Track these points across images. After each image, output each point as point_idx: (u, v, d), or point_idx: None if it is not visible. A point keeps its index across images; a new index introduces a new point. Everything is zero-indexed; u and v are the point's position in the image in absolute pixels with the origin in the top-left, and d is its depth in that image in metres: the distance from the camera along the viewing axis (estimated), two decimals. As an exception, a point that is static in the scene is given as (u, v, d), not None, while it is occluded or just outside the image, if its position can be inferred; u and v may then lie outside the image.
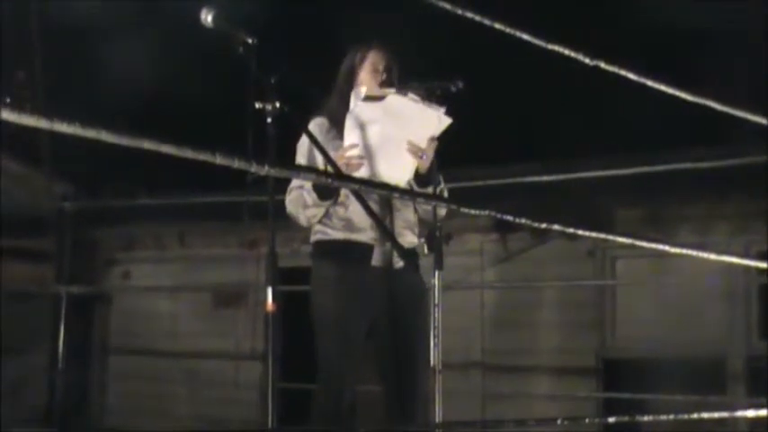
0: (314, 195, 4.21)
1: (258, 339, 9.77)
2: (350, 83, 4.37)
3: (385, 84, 4.32)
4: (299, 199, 4.26)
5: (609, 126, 9.45)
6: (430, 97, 4.16)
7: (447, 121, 4.20)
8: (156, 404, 10.24)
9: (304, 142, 4.31)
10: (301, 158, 4.33)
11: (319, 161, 4.09)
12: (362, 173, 4.16)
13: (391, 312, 4.31)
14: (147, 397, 10.28)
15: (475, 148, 8.34)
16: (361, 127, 4.16)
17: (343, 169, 4.11)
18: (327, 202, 4.25)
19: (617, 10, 10.78)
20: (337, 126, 4.28)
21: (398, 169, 4.23)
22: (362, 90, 4.25)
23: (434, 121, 4.18)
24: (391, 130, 4.17)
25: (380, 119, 4.16)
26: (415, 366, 4.28)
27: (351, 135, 4.18)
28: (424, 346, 4.07)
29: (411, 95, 4.16)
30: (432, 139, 4.22)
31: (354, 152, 4.16)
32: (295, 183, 4.30)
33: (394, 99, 4.17)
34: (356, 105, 4.20)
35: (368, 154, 4.17)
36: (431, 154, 4.23)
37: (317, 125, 4.37)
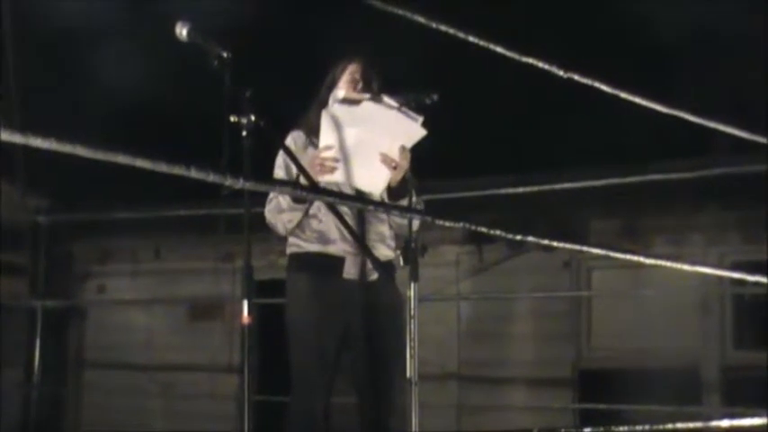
0: (288, 198, 4.21)
1: (234, 352, 9.76)
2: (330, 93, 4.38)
3: (362, 91, 4.32)
4: (277, 206, 4.26)
5: (584, 138, 9.47)
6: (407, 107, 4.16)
7: (422, 132, 4.18)
8: (132, 418, 10.19)
9: (282, 153, 4.31)
10: (279, 169, 4.33)
11: (296, 171, 4.08)
12: (337, 176, 4.15)
13: (367, 324, 4.30)
14: (122, 411, 10.23)
15: (450, 161, 8.34)
16: (337, 128, 4.15)
17: (318, 171, 4.10)
18: (302, 206, 4.23)
19: (592, 20, 10.82)
20: (315, 136, 4.27)
21: (373, 176, 4.21)
22: (340, 93, 4.27)
23: (409, 129, 4.17)
24: (366, 136, 4.14)
25: (356, 122, 4.14)
26: (391, 378, 4.28)
27: (327, 135, 4.15)
28: (400, 358, 4.07)
29: (388, 101, 4.14)
30: (404, 148, 4.20)
31: (329, 154, 4.15)
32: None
33: (370, 105, 4.16)
34: (332, 105, 4.21)
35: (343, 157, 4.15)
36: (404, 164, 4.22)
37: (293, 138, 4.37)
